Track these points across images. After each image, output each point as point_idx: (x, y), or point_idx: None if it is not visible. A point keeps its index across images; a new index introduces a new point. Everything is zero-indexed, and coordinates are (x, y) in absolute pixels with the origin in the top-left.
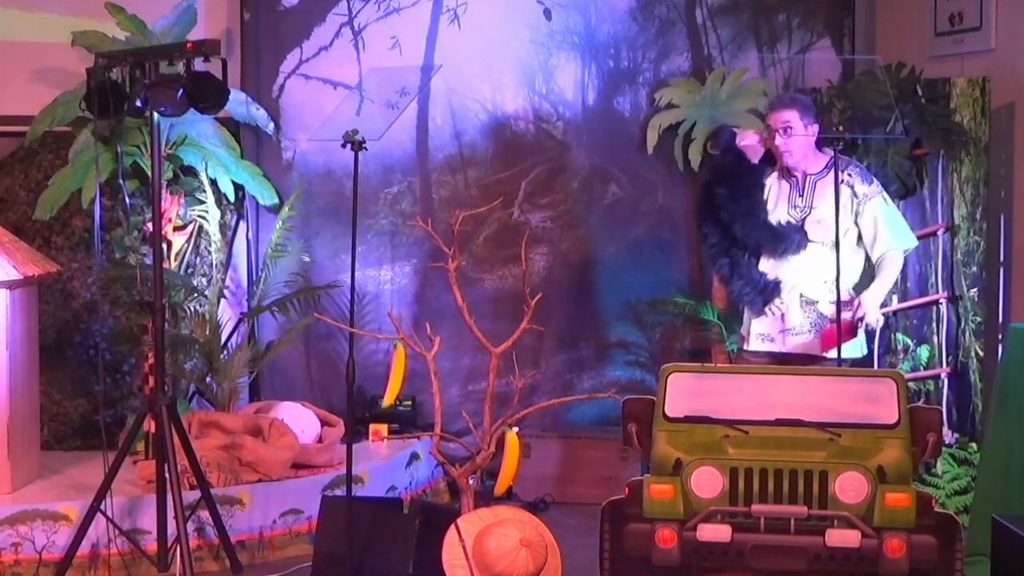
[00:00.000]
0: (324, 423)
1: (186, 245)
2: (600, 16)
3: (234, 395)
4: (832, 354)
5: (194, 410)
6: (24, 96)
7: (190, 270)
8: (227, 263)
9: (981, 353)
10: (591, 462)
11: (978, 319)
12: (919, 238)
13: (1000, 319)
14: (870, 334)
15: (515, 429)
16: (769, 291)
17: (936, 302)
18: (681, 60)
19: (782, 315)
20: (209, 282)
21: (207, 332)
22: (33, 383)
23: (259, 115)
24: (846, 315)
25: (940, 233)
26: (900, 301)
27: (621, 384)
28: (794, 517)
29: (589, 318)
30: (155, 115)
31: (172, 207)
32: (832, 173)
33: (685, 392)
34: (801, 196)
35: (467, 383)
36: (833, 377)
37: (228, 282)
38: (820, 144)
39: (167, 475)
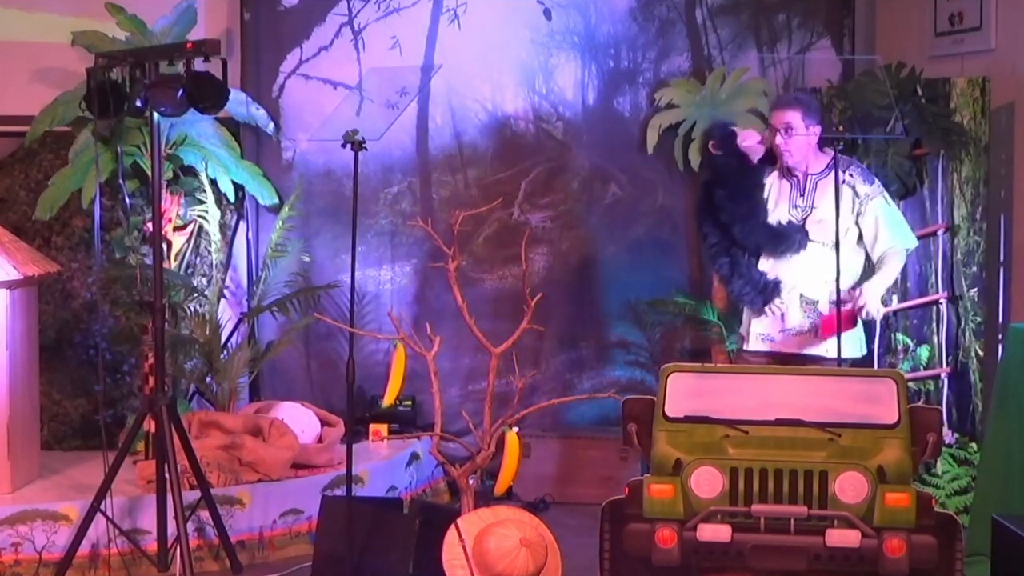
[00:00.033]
0: (324, 423)
1: (186, 245)
2: (600, 16)
3: (234, 395)
4: (830, 349)
5: (194, 410)
6: (24, 96)
7: (190, 270)
8: (227, 263)
9: (981, 353)
10: (591, 462)
11: (978, 319)
12: (919, 238)
13: (1000, 319)
14: (870, 331)
15: (515, 429)
16: (769, 291)
17: (936, 302)
18: (681, 60)
19: (782, 315)
20: (209, 282)
21: (207, 332)
22: (33, 383)
23: (259, 115)
24: (846, 306)
25: (940, 233)
26: (900, 301)
27: (621, 384)
28: (794, 517)
29: (589, 318)
30: (155, 115)
31: (172, 207)
32: (833, 173)
33: (685, 392)
34: (802, 196)
35: (467, 383)
36: (833, 377)
37: (228, 282)
38: (821, 144)
39: (167, 475)
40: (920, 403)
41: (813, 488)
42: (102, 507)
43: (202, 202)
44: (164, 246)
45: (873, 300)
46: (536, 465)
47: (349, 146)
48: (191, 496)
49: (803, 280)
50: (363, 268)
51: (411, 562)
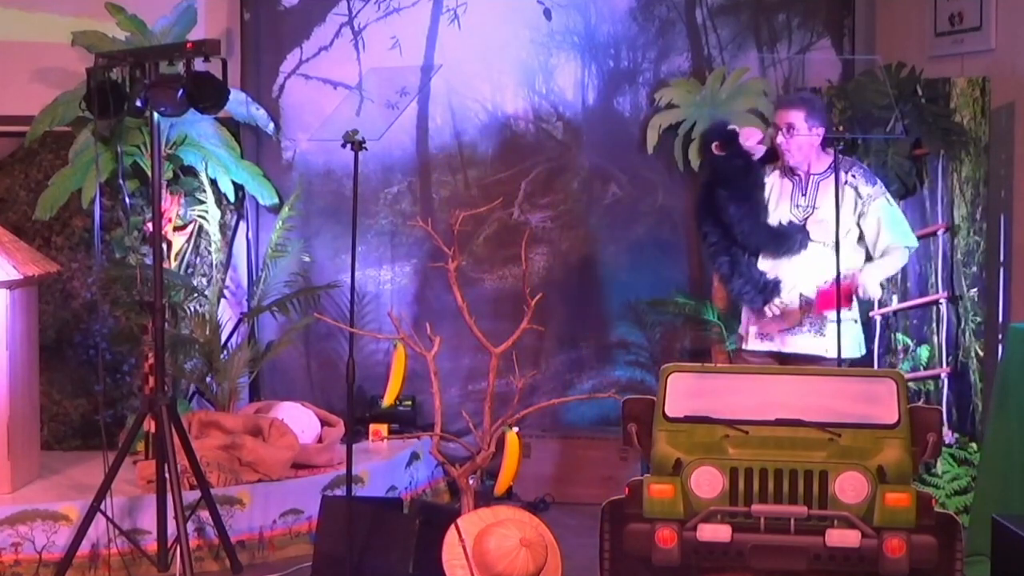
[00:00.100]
0: (324, 423)
1: (186, 245)
2: (600, 16)
3: (234, 395)
4: (830, 349)
5: (194, 410)
6: (24, 96)
7: (190, 270)
8: (227, 263)
9: (981, 353)
10: (591, 462)
11: (978, 319)
12: (919, 238)
13: (1000, 319)
14: (869, 331)
15: (515, 429)
16: (769, 290)
17: (936, 302)
18: (681, 60)
19: (781, 314)
20: (209, 282)
21: (207, 332)
22: (33, 383)
23: (259, 115)
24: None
25: (940, 233)
26: (900, 301)
27: (621, 384)
28: (794, 517)
29: (589, 318)
30: (155, 115)
31: (172, 207)
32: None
33: (685, 392)
34: (804, 195)
35: (467, 383)
36: (833, 377)
37: (228, 282)
38: (824, 144)
39: (167, 475)
40: (920, 403)
41: (813, 488)
42: (102, 507)
43: (202, 202)
44: (164, 246)
45: (871, 282)
46: (536, 465)
47: (349, 146)
48: (191, 496)
49: (803, 280)
50: (363, 268)
51: (411, 562)
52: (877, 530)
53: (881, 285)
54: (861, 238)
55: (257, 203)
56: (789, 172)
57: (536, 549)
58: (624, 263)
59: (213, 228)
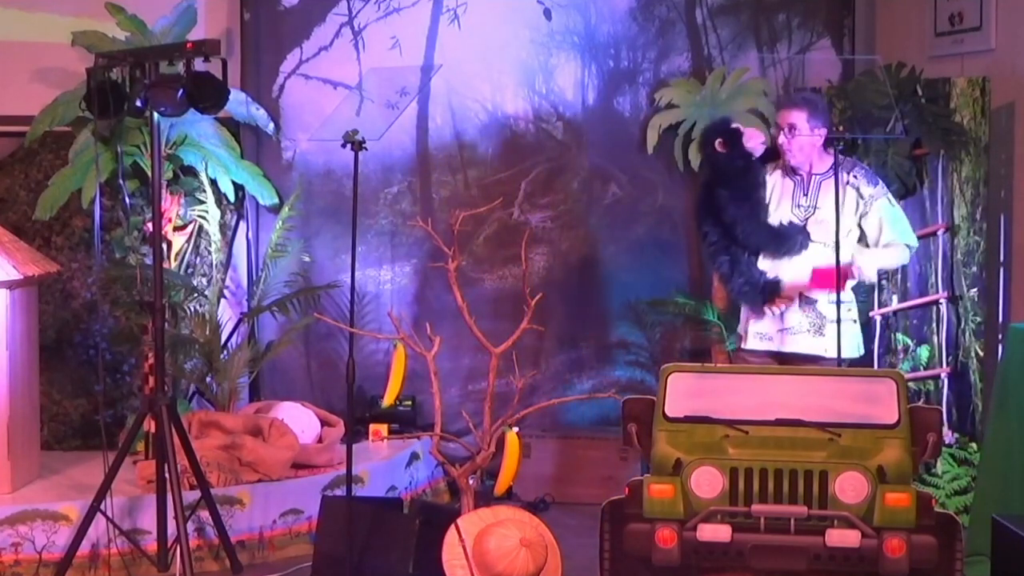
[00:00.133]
0: (324, 423)
1: (186, 245)
2: (600, 16)
3: (234, 395)
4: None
5: (194, 410)
6: (24, 96)
7: (190, 270)
8: (227, 263)
9: (981, 353)
10: (591, 462)
11: (978, 319)
12: (919, 238)
13: (1000, 319)
14: (869, 332)
15: (515, 429)
16: (769, 290)
17: (936, 302)
18: (681, 60)
19: (781, 314)
20: (209, 282)
21: (207, 332)
22: (33, 383)
23: (259, 115)
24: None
25: (940, 233)
26: (900, 301)
27: (621, 384)
28: (794, 517)
29: (589, 318)
30: (155, 115)
31: (172, 207)
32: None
33: (685, 392)
34: (805, 195)
35: (467, 383)
36: (833, 377)
37: (228, 282)
38: (825, 144)
39: (167, 475)
40: (920, 403)
41: (813, 488)
42: (102, 507)
43: (202, 202)
44: (164, 246)
45: (868, 265)
46: (536, 465)
47: (349, 146)
48: (191, 496)
49: (803, 279)
50: (363, 268)
51: (411, 562)
52: (877, 530)
53: (879, 274)
54: (861, 239)
55: (257, 203)
56: (791, 172)
57: (536, 549)
58: (624, 263)
59: (213, 228)
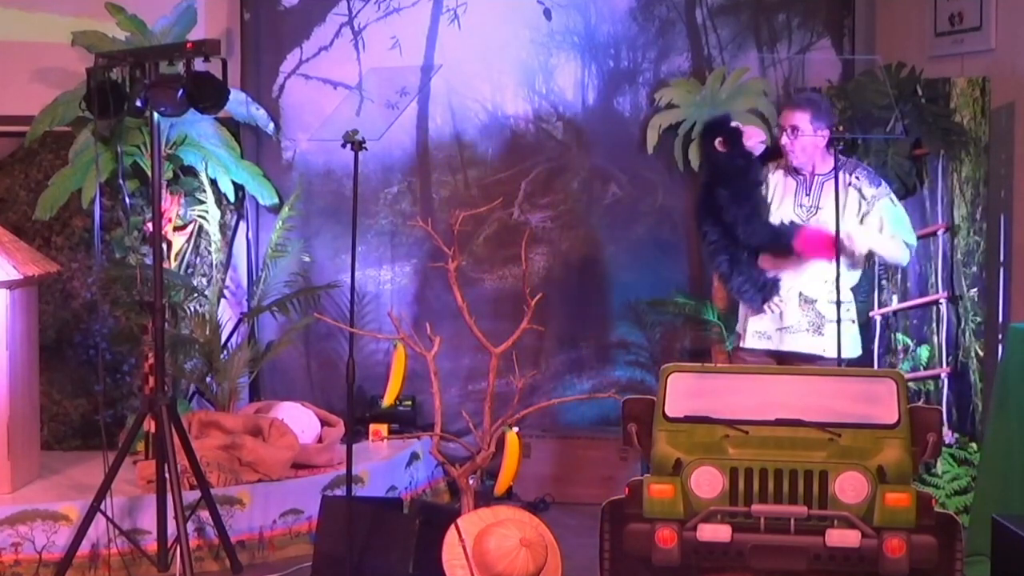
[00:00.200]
0: (324, 423)
1: (186, 245)
2: (600, 16)
3: (234, 395)
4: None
5: (194, 410)
6: (24, 96)
7: (190, 270)
8: (227, 263)
9: (981, 353)
10: (591, 462)
11: (978, 319)
12: (919, 238)
13: (1000, 319)
14: (868, 332)
15: (515, 429)
16: (768, 288)
17: (936, 302)
18: (681, 60)
19: (780, 313)
20: (209, 282)
21: (207, 332)
22: (33, 383)
23: (259, 115)
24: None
25: (940, 233)
26: (900, 301)
27: (621, 384)
28: (794, 517)
29: (589, 318)
30: (155, 115)
31: (172, 207)
32: (841, 174)
33: (685, 392)
34: (808, 195)
35: (467, 383)
36: (833, 377)
37: (228, 282)
38: (828, 145)
39: (167, 475)
40: (920, 403)
41: (813, 488)
42: (102, 507)
43: (202, 202)
44: (164, 246)
45: (862, 238)
46: (536, 465)
47: (349, 146)
48: (191, 496)
49: (803, 279)
50: (363, 268)
51: (411, 562)
52: (877, 530)
53: (878, 273)
54: (869, 253)
55: (257, 203)
56: (793, 171)
57: (536, 549)
58: (624, 263)
59: (213, 228)
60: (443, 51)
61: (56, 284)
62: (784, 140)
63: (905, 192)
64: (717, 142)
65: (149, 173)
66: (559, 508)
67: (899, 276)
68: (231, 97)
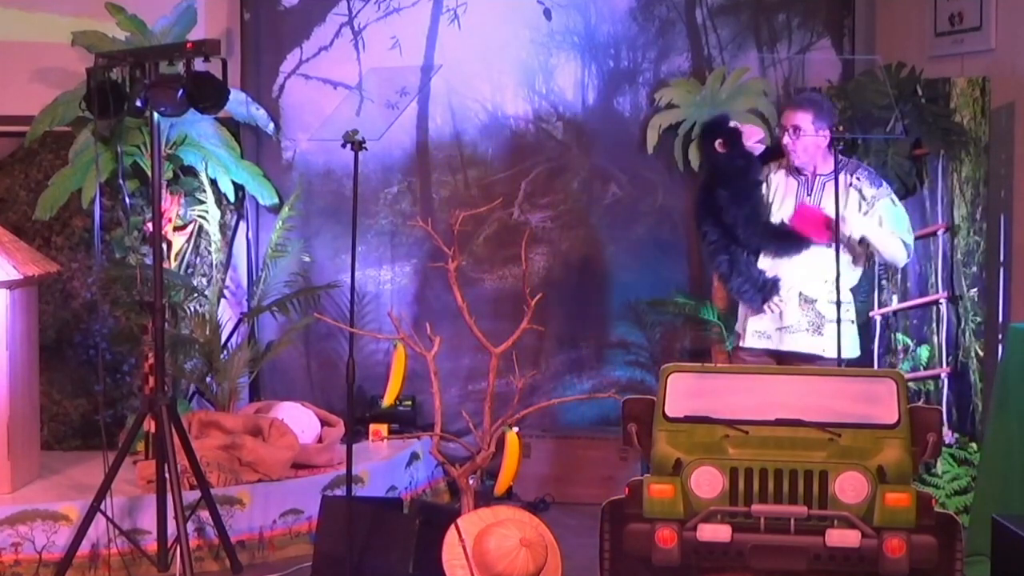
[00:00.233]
0: (324, 423)
1: (186, 245)
2: (600, 16)
3: (234, 395)
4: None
5: (194, 410)
6: (24, 96)
7: (190, 270)
8: (227, 263)
9: (981, 353)
10: (591, 462)
11: (978, 319)
12: (919, 238)
13: (1000, 319)
14: (868, 332)
15: (515, 429)
16: (768, 288)
17: (936, 302)
18: (681, 60)
19: (780, 313)
20: (209, 282)
21: (207, 332)
22: (33, 383)
23: (259, 115)
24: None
25: (940, 233)
26: (900, 301)
27: (621, 384)
28: (794, 517)
29: (589, 318)
30: (155, 115)
31: (172, 207)
32: (842, 175)
33: (685, 392)
34: (809, 195)
35: (467, 383)
36: (833, 377)
37: (228, 282)
38: (829, 145)
39: (167, 475)
40: (920, 403)
41: (813, 488)
42: (102, 507)
43: (202, 202)
44: (164, 246)
45: (858, 223)
46: (536, 465)
47: (349, 146)
48: (191, 496)
49: (803, 279)
50: (363, 268)
51: (411, 562)
52: (877, 530)
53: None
54: (862, 241)
55: (257, 203)
56: (795, 171)
57: (536, 549)
58: (624, 263)
59: (213, 228)
60: (443, 51)
61: (56, 284)
62: (786, 140)
63: (905, 192)
64: (717, 144)
65: (149, 173)
66: (559, 508)
67: (899, 276)
68: (231, 97)
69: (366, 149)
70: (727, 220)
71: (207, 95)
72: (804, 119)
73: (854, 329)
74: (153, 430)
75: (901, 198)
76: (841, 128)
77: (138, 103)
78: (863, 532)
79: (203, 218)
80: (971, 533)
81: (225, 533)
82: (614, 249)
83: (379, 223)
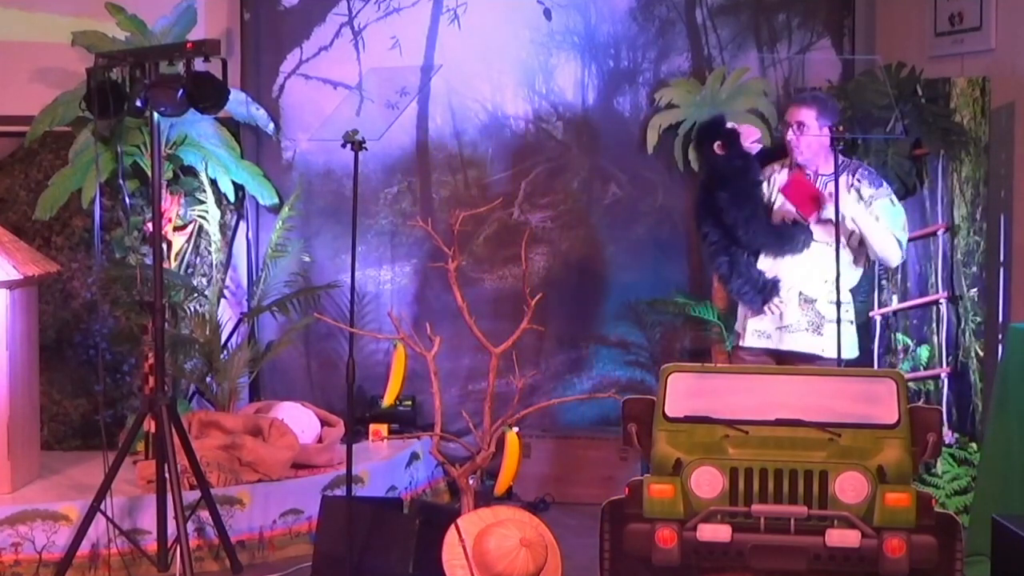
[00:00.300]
0: (324, 423)
1: (186, 245)
2: (600, 16)
3: (234, 395)
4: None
5: (194, 410)
6: (24, 96)
7: (190, 270)
8: (227, 263)
9: (981, 353)
10: (591, 462)
11: (978, 319)
12: (919, 238)
13: (1000, 319)
14: (868, 332)
15: (515, 429)
16: (768, 290)
17: (936, 302)
18: (681, 60)
19: (780, 313)
20: (209, 282)
21: (207, 332)
22: (33, 383)
23: (259, 115)
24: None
25: (940, 233)
26: (900, 301)
27: (621, 384)
28: (794, 517)
29: (589, 318)
30: (155, 115)
31: (172, 207)
32: (844, 175)
33: (685, 392)
34: None
35: (467, 383)
36: (833, 377)
37: (228, 282)
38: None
39: (167, 475)
40: (920, 403)
41: (813, 488)
42: (102, 507)
43: (202, 202)
44: (164, 246)
45: (854, 208)
46: (536, 465)
47: (349, 146)
48: (191, 496)
49: (803, 279)
50: (363, 268)
51: (411, 562)
52: (877, 530)
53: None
54: (862, 243)
55: (257, 203)
56: (797, 170)
57: (536, 549)
58: (624, 263)
59: (213, 228)
60: (443, 51)
61: (56, 284)
62: (789, 136)
63: (905, 192)
64: (716, 146)
65: (149, 173)
66: (559, 508)
67: (899, 276)
68: (231, 97)
69: (366, 149)
70: (727, 221)
71: (207, 95)
72: (808, 115)
73: (853, 330)
74: (153, 430)
75: (901, 198)
76: (841, 128)
77: (138, 103)
78: (863, 532)
79: (203, 218)
80: (971, 533)
81: (225, 533)
82: (614, 249)
83: (379, 223)
